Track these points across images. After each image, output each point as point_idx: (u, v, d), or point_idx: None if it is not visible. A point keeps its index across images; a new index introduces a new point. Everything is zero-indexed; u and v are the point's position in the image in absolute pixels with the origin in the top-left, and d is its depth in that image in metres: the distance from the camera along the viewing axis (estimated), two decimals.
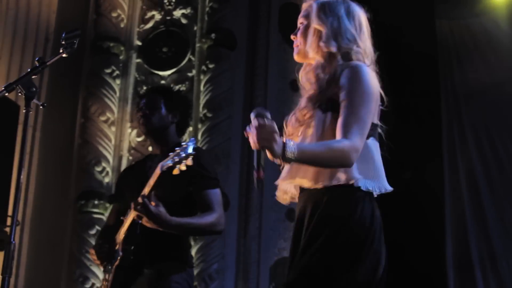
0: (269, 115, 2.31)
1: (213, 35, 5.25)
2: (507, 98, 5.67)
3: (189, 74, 5.34)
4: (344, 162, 2.29)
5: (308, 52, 2.62)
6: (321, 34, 2.54)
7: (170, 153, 2.78)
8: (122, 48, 5.47)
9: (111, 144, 5.25)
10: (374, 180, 2.37)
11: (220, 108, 5.13)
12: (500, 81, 5.72)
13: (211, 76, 5.20)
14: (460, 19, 6.00)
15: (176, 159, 2.73)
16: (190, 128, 5.08)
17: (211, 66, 5.21)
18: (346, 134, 2.31)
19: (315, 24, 2.59)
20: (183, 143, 2.78)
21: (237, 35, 5.30)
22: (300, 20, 2.71)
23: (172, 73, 5.38)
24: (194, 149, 2.73)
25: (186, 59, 5.37)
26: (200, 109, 5.17)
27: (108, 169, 5.21)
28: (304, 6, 2.73)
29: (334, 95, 2.42)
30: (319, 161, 2.31)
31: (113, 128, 5.30)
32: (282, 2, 5.43)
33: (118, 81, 5.41)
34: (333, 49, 2.50)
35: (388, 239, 2.34)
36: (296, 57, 2.74)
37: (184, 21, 5.44)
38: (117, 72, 5.42)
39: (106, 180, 5.19)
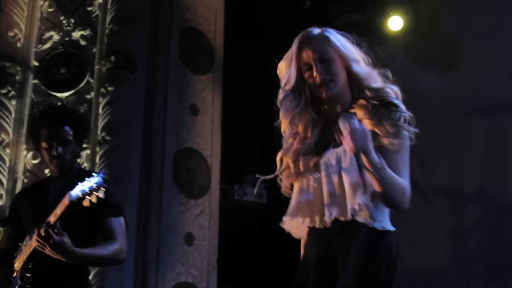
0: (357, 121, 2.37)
1: (112, 58, 5.25)
2: None
3: (88, 96, 5.32)
4: (404, 199, 2.41)
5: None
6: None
7: (79, 183, 2.75)
8: (18, 68, 5.39)
9: (5, 167, 5.18)
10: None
11: (119, 132, 5.12)
12: None
13: (110, 99, 5.19)
14: None
15: (87, 190, 2.71)
16: (88, 151, 5.10)
17: (110, 88, 5.20)
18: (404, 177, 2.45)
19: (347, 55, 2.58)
20: (93, 174, 2.76)
21: (137, 58, 5.31)
22: (321, 51, 2.58)
23: (70, 95, 5.34)
24: (105, 180, 2.72)
25: (85, 81, 5.35)
26: (99, 132, 5.14)
27: (2, 192, 5.14)
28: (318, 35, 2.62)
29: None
30: (391, 184, 2.37)
31: (8, 150, 5.22)
32: (182, 27, 5.51)
33: (13, 102, 5.32)
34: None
35: None
36: (329, 93, 2.59)
37: (83, 42, 5.44)
38: (13, 92, 5.33)
39: (0, 203, 5.13)
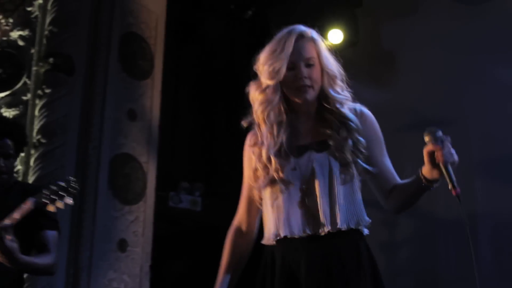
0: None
1: (51, 59, 5.24)
2: None
3: (24, 98, 5.30)
4: None
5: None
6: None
7: (44, 189, 2.76)
8: None
9: None
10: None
11: (55, 135, 5.11)
12: None
13: (47, 101, 5.18)
14: None
15: (53, 197, 2.74)
16: (22, 154, 5.06)
17: (47, 91, 5.19)
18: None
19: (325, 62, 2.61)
20: (60, 182, 2.78)
21: (76, 61, 5.30)
22: (309, 55, 2.60)
23: (6, 96, 5.31)
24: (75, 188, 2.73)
25: (21, 82, 5.32)
26: (34, 134, 5.12)
27: None
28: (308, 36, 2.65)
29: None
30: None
31: None
32: (123, 32, 5.52)
33: None
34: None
35: None
36: (307, 100, 2.61)
37: (21, 43, 5.41)
38: None
39: None
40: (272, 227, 2.56)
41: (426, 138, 2.39)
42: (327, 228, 2.46)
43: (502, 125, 5.37)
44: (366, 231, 2.59)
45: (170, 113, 5.87)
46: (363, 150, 2.59)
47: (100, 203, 5.08)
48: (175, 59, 5.90)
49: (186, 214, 5.86)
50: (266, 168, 2.58)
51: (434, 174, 2.41)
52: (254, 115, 2.65)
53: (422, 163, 5.83)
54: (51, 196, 2.75)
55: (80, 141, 5.19)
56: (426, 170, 2.44)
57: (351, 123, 2.59)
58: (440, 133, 2.41)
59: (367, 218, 2.59)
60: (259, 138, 2.64)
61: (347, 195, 2.53)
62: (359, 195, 2.60)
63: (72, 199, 2.76)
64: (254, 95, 2.65)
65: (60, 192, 2.74)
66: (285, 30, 2.63)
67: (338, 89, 2.63)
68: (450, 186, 2.38)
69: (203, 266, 5.90)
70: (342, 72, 2.69)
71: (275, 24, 6.56)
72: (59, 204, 2.76)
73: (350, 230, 2.50)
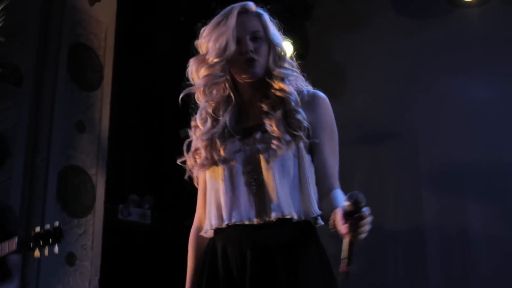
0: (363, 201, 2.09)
1: None
2: None
3: None
4: None
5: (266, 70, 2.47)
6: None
7: (33, 233, 2.74)
8: None
9: None
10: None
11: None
12: None
13: None
14: None
15: (40, 242, 2.73)
16: None
17: None
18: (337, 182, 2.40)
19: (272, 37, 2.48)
20: (47, 226, 2.76)
21: (24, 71, 5.29)
22: (254, 29, 2.47)
23: None
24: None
25: None
26: None
27: None
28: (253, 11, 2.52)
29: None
30: None
31: None
32: (72, 42, 5.50)
33: None
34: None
35: None
36: (254, 75, 2.45)
37: None
38: None
39: None
40: (213, 215, 2.37)
41: (348, 204, 2.07)
42: (273, 215, 2.28)
43: (449, 137, 5.51)
44: (320, 222, 2.37)
45: (120, 125, 5.86)
46: (303, 129, 2.36)
47: (48, 216, 5.04)
48: (125, 70, 5.90)
49: (136, 227, 5.85)
50: (207, 148, 2.42)
51: (340, 231, 2.12)
52: (196, 92, 2.50)
53: (371, 175, 5.94)
54: (38, 241, 2.69)
55: (28, 153, 5.16)
56: (336, 223, 2.15)
57: (290, 98, 2.41)
58: (363, 204, 2.08)
59: (317, 209, 2.34)
60: (202, 116, 2.49)
61: (295, 181, 2.33)
62: (310, 184, 2.36)
63: (57, 247, 2.70)
64: (198, 70, 2.49)
65: (46, 238, 2.69)
66: (228, 7, 2.49)
67: (286, 66, 2.51)
68: (344, 260, 2.12)
69: (153, 279, 5.92)
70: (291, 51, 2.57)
71: None
72: (46, 251, 2.69)
73: (299, 219, 2.30)
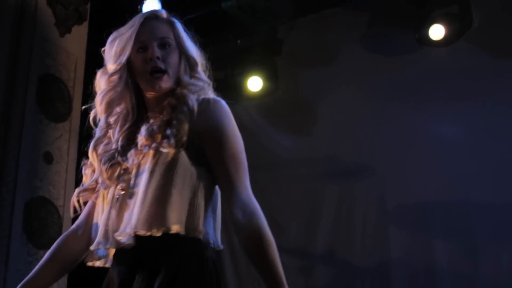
0: None
1: None
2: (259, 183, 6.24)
3: None
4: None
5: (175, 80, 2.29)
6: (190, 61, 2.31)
7: None
8: None
9: None
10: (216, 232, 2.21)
11: None
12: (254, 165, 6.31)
13: None
14: None
15: None
16: None
17: None
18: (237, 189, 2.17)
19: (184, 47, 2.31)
20: None
21: None
22: (163, 35, 2.29)
23: None
24: None
25: None
26: None
27: None
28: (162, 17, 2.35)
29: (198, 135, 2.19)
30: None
31: None
32: (41, 73, 5.53)
33: None
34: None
35: None
36: (161, 89, 2.26)
37: None
38: None
39: None
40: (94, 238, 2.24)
41: None
42: (128, 232, 2.10)
43: (416, 174, 5.65)
44: (212, 241, 2.17)
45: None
46: (177, 139, 2.16)
47: (14, 247, 5.04)
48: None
49: None
50: (96, 171, 2.32)
51: None
52: (96, 105, 2.37)
53: (339, 210, 6.02)
54: None
55: None
56: None
57: (181, 107, 2.22)
58: None
59: (201, 227, 2.13)
60: (97, 137, 2.37)
61: (165, 193, 2.11)
62: (198, 199, 2.16)
63: None
64: (99, 82, 2.36)
65: None
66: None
67: (197, 76, 2.32)
68: None
69: None
70: (205, 63, 2.41)
71: None
72: None
73: (177, 237, 2.09)
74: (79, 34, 5.88)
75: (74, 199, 2.43)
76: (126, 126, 2.30)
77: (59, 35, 5.72)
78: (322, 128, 6.20)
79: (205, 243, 2.16)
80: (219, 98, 2.29)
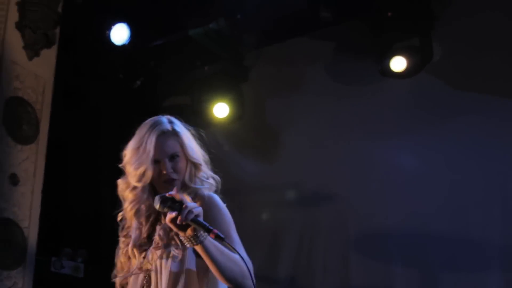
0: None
1: None
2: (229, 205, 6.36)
3: None
4: (245, 273, 2.58)
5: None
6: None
7: None
8: None
9: None
10: None
11: None
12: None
13: None
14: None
15: None
16: None
17: None
18: None
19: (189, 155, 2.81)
20: None
21: None
22: (172, 151, 2.79)
23: None
24: None
25: None
26: None
27: None
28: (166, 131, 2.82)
29: None
30: (224, 258, 2.55)
31: None
32: (8, 96, 5.61)
33: None
34: None
35: None
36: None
37: None
38: None
39: None
40: None
41: (159, 208, 2.51)
42: None
43: (377, 202, 5.84)
44: None
45: (56, 178, 6.00)
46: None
47: None
48: (61, 124, 6.06)
49: (68, 281, 5.93)
50: (129, 259, 2.80)
51: (189, 233, 2.47)
52: (124, 212, 2.85)
53: (302, 236, 6.19)
54: None
55: None
56: (182, 236, 2.51)
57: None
58: (165, 199, 2.50)
59: None
60: (129, 231, 2.84)
61: (191, 281, 2.65)
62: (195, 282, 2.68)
63: None
64: (124, 193, 2.84)
65: None
66: (147, 124, 2.84)
67: (201, 177, 2.85)
68: (205, 232, 2.46)
69: None
70: (206, 155, 2.94)
71: (164, 95, 6.95)
72: None
73: None
74: (47, 58, 5.97)
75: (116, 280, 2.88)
76: (150, 222, 2.82)
77: (28, 58, 5.83)
78: (287, 155, 6.37)
79: None
80: (212, 194, 2.81)
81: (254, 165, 6.51)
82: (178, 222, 2.42)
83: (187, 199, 2.48)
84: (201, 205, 2.61)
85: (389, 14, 5.77)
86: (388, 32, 5.85)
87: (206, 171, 2.89)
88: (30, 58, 5.84)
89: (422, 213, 5.63)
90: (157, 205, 2.49)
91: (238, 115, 6.62)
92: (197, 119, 6.61)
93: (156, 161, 2.78)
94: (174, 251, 2.66)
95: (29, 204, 5.55)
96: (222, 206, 2.80)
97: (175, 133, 2.82)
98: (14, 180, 5.51)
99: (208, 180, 2.88)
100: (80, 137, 6.46)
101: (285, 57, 6.52)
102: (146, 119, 2.91)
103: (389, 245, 5.76)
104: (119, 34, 6.08)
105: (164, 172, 2.76)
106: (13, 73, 5.69)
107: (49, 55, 6.00)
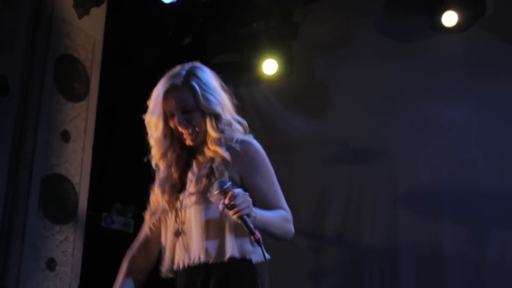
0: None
1: None
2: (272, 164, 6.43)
3: None
4: (291, 231, 2.77)
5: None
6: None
7: None
8: None
9: None
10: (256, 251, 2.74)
11: None
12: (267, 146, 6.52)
13: None
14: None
15: None
16: None
17: None
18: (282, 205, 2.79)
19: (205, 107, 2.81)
20: None
21: (10, 81, 5.44)
22: (184, 103, 2.81)
23: None
24: None
25: None
26: None
27: None
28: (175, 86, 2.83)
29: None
30: (273, 226, 2.67)
31: None
32: (59, 53, 5.74)
33: None
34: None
35: None
36: (194, 142, 2.85)
37: None
38: None
39: None
40: (164, 258, 2.88)
41: (217, 193, 2.57)
42: (199, 259, 2.71)
43: (427, 159, 5.81)
44: (255, 259, 2.76)
45: (105, 135, 6.09)
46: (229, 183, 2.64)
47: (30, 221, 5.26)
48: (111, 82, 6.13)
49: (118, 235, 6.04)
50: (161, 198, 2.90)
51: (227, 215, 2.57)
52: (154, 158, 2.96)
53: (349, 193, 6.18)
54: None
55: (11, 160, 5.36)
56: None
57: (217, 160, 2.79)
58: (228, 187, 2.57)
59: (248, 247, 2.74)
60: (159, 174, 2.95)
61: (221, 227, 2.71)
62: (228, 228, 2.72)
63: None
64: (150, 139, 2.96)
65: None
66: (165, 76, 2.89)
67: (223, 127, 2.83)
68: (248, 233, 2.54)
69: None
70: (230, 104, 2.92)
71: (212, 52, 6.98)
72: None
73: (231, 260, 2.69)
74: (97, 16, 6.07)
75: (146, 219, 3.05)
76: (178, 164, 2.91)
77: (77, 16, 5.92)
78: (335, 112, 6.37)
79: (249, 260, 2.75)
80: (250, 139, 2.88)
81: (303, 121, 6.52)
82: (230, 214, 2.52)
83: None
84: (239, 154, 2.77)
85: None
86: None
87: (227, 119, 2.88)
88: (80, 17, 5.93)
89: (472, 170, 5.60)
90: (215, 192, 2.56)
91: (287, 72, 6.62)
92: (247, 76, 6.65)
93: (171, 114, 2.83)
94: (207, 199, 2.72)
95: (80, 161, 5.67)
96: (262, 152, 2.87)
97: (189, 86, 2.82)
98: (65, 136, 5.63)
99: (234, 127, 2.89)
100: (129, 94, 6.53)
101: (334, 14, 6.48)
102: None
103: (437, 201, 5.73)
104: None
105: (177, 125, 2.82)
106: (64, 32, 5.79)
107: (98, 14, 6.08)
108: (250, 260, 2.74)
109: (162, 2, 6.14)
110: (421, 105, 5.89)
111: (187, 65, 2.91)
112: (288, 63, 6.59)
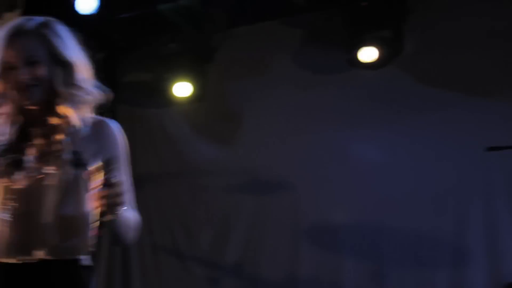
0: None
1: None
2: (182, 187, 6.38)
3: None
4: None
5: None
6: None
7: None
8: None
9: None
10: None
11: None
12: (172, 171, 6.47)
13: None
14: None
15: None
16: None
17: None
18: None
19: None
20: None
21: None
22: (30, 53, 2.33)
23: None
24: None
25: None
26: None
27: None
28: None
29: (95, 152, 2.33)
30: (123, 230, 2.32)
31: None
32: None
33: None
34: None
35: None
36: (34, 102, 2.35)
37: None
38: None
39: None
40: None
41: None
42: (37, 253, 2.28)
43: (331, 193, 5.83)
44: (87, 261, 2.38)
45: None
46: (80, 158, 2.30)
47: None
48: None
49: None
50: None
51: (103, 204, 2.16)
52: None
53: (253, 224, 6.07)
54: None
55: None
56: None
57: (65, 128, 2.35)
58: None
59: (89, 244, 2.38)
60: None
61: (69, 211, 2.31)
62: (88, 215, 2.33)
63: None
64: None
65: None
66: (12, 22, 2.37)
67: (76, 84, 2.36)
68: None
69: None
70: (88, 68, 2.43)
71: (124, 70, 6.82)
72: None
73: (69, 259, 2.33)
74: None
75: None
76: (13, 129, 2.38)
77: None
78: (245, 140, 6.28)
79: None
80: (109, 120, 2.46)
81: (211, 148, 6.43)
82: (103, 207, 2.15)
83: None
84: (101, 134, 2.42)
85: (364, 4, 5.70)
86: (360, 23, 5.76)
87: (84, 77, 2.39)
88: None
89: (375, 206, 5.65)
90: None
91: (199, 96, 6.50)
92: (157, 98, 6.52)
93: (10, 66, 2.31)
94: (54, 168, 2.30)
95: None
96: (120, 140, 2.48)
97: (39, 34, 2.33)
98: None
99: (92, 91, 2.41)
100: None
101: (253, 41, 6.43)
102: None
103: (340, 236, 5.75)
104: (87, 3, 5.93)
105: (18, 76, 2.29)
106: None
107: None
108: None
109: (79, 13, 5.99)
110: (332, 138, 5.90)
111: (40, 17, 2.41)
112: (201, 87, 6.48)
